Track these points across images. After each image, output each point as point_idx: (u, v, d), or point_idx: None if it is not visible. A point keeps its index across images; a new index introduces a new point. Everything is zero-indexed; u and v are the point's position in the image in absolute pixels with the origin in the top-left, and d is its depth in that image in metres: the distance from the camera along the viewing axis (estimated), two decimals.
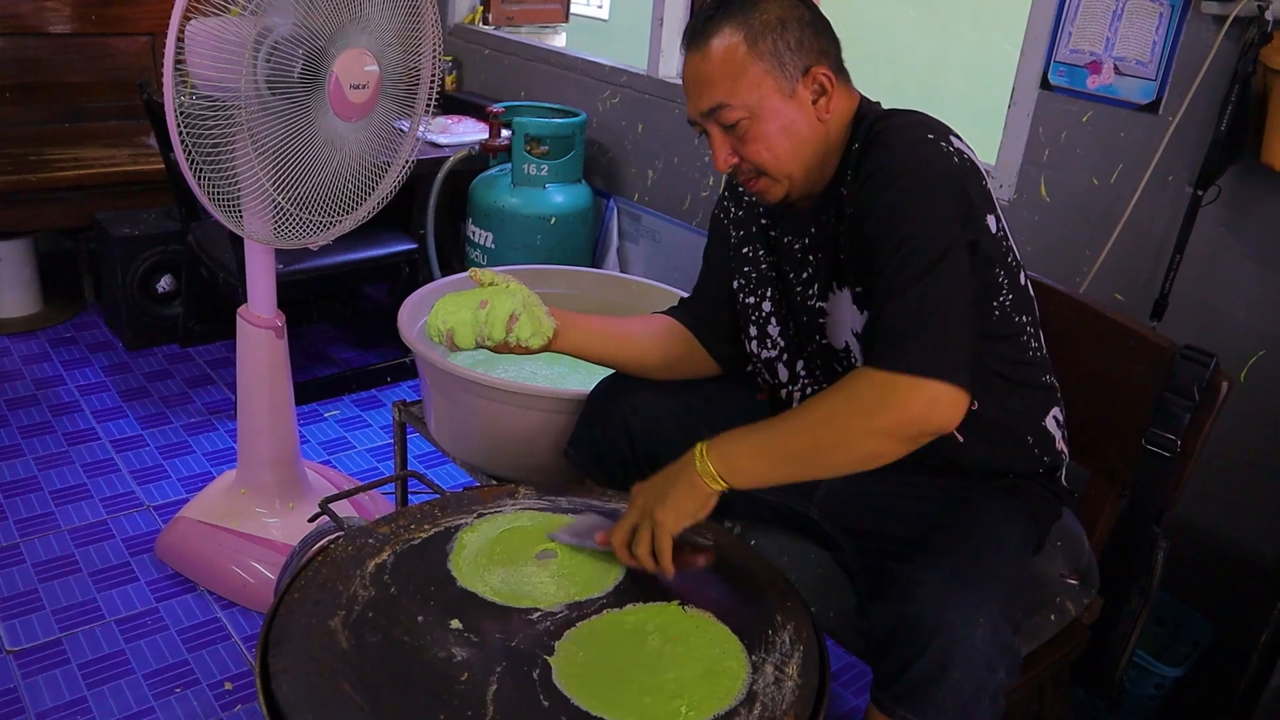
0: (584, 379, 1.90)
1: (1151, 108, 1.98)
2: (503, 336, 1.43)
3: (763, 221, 1.52)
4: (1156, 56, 1.96)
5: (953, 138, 1.28)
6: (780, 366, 1.52)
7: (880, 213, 1.23)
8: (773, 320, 1.51)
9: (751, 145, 1.32)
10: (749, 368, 1.59)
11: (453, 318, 1.43)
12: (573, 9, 4.26)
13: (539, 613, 1.19)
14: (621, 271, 3.30)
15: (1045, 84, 2.13)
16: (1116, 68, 2.01)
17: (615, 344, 1.57)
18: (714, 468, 1.23)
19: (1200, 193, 1.87)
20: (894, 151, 1.26)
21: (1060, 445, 1.46)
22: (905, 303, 1.18)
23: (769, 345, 1.52)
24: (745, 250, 1.54)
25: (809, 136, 1.33)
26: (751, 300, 1.53)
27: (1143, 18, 1.96)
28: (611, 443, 1.54)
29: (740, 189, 1.55)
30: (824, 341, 1.44)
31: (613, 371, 1.64)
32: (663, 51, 3.08)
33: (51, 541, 2.28)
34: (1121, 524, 1.58)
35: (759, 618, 1.21)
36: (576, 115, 3.11)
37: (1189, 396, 1.46)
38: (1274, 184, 1.83)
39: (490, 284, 1.47)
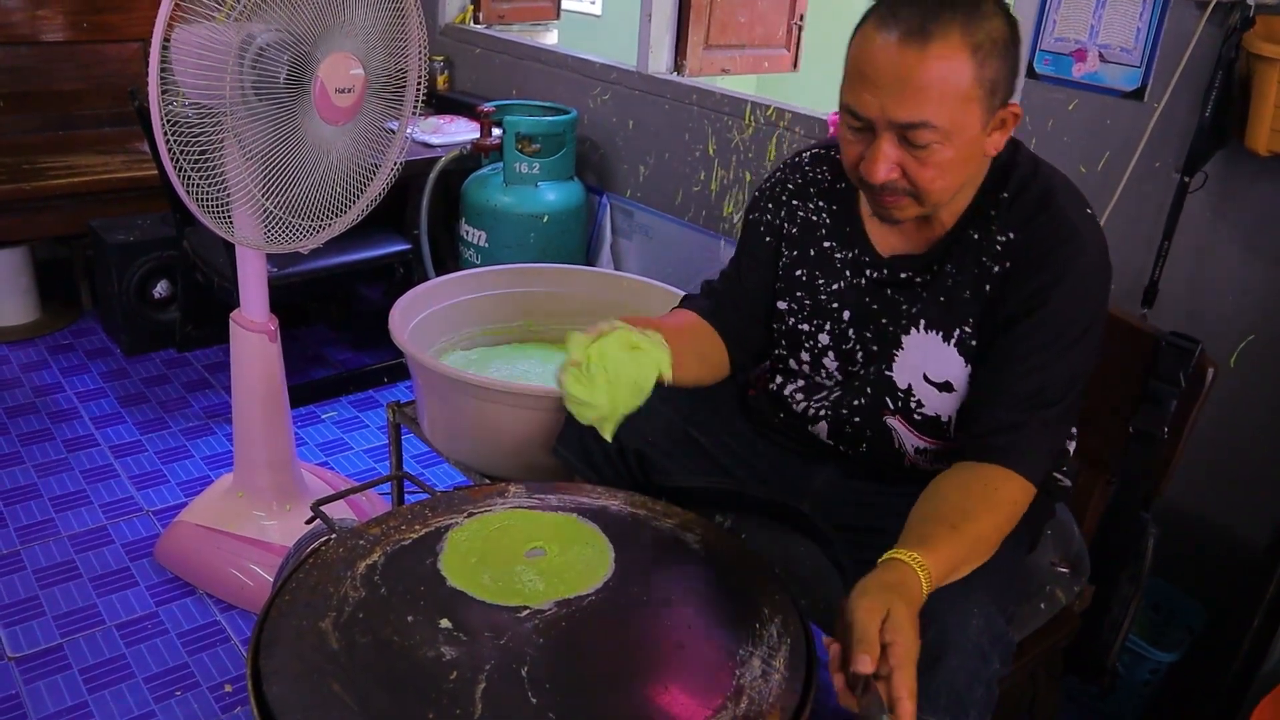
0: None
1: (1137, 94, 1.98)
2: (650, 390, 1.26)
3: (827, 245, 1.40)
4: (1141, 43, 1.96)
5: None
6: (825, 392, 1.46)
7: (1044, 322, 1.23)
8: (830, 354, 1.43)
9: (927, 170, 1.18)
10: (771, 383, 1.54)
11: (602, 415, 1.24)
12: (564, 5, 4.26)
13: (528, 610, 1.20)
14: (615, 267, 3.31)
15: (1031, 72, 2.13)
16: (1101, 55, 2.02)
17: (690, 364, 1.38)
18: (932, 583, 1.10)
19: (1187, 179, 1.87)
20: (1082, 248, 1.23)
21: (1071, 454, 1.48)
22: (1050, 418, 1.24)
23: (823, 374, 1.45)
24: (799, 273, 1.43)
25: (974, 170, 1.25)
26: (805, 328, 1.44)
27: (1126, 4, 1.96)
28: (598, 439, 1.54)
29: (794, 199, 1.43)
30: (885, 373, 1.37)
31: None
32: (651, 47, 3.09)
33: (52, 548, 2.29)
34: (1111, 511, 1.58)
35: (747, 611, 1.21)
36: (568, 113, 3.11)
37: (1175, 383, 1.46)
38: (1259, 169, 1.83)
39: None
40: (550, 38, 4.08)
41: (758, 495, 1.53)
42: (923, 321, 1.33)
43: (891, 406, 1.39)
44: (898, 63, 1.13)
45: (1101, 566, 1.56)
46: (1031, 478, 1.23)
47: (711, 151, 2.92)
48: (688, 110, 2.98)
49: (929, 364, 1.34)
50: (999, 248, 1.27)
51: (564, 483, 1.54)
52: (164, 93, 1.66)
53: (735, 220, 2.90)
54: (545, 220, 2.99)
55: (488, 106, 3.11)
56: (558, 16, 4.15)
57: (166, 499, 2.49)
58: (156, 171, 2.88)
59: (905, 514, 1.25)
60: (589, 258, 3.33)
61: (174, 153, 1.69)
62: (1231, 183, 1.89)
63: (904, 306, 1.35)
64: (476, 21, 3.86)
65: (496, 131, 3.05)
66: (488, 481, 1.87)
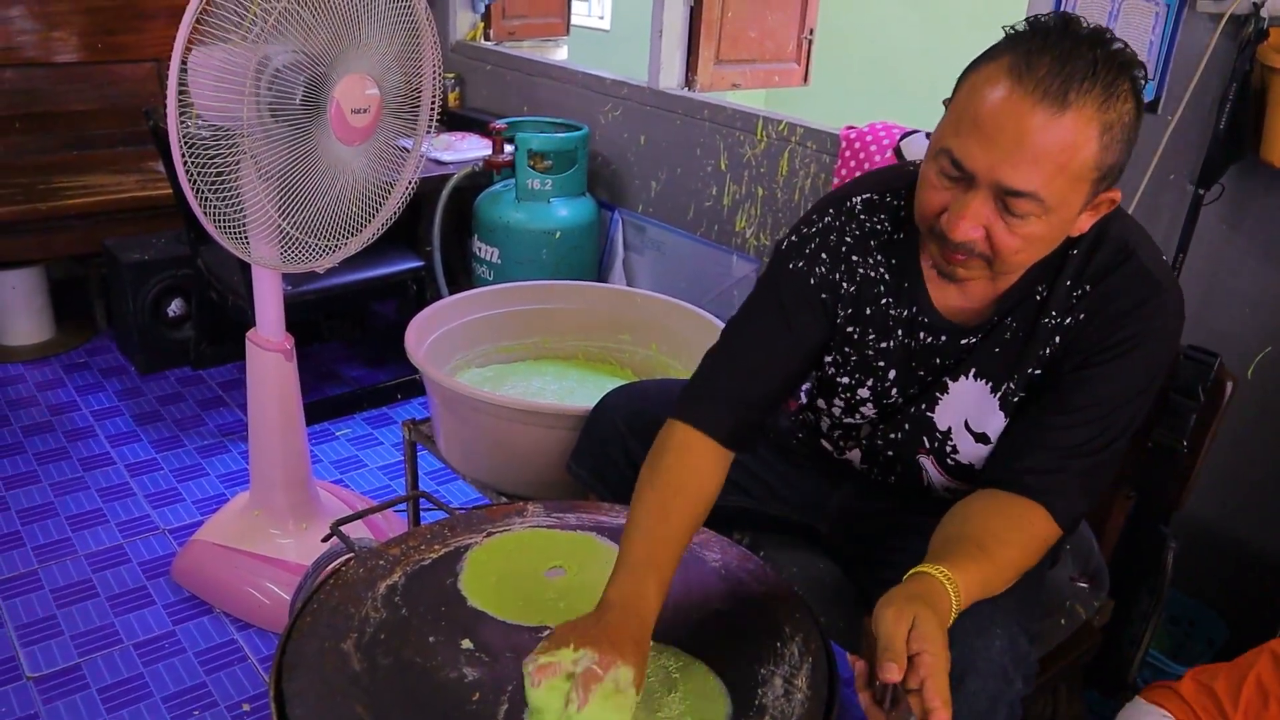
0: (590, 394, 1.91)
1: (1151, 107, 1.98)
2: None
3: (884, 302, 1.31)
4: (1154, 56, 1.96)
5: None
6: (862, 437, 1.43)
7: (1112, 374, 1.19)
8: (867, 405, 1.38)
9: (1014, 240, 1.10)
10: (797, 418, 1.52)
11: None
12: (573, 21, 4.28)
13: (549, 630, 1.20)
14: (627, 282, 3.31)
15: None
16: None
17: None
18: (960, 592, 1.07)
19: (1202, 191, 1.87)
20: (1152, 300, 1.18)
21: None
22: (1095, 466, 1.21)
23: (856, 417, 1.40)
24: (851, 330, 1.34)
25: (1057, 243, 1.17)
26: (845, 380, 1.37)
27: (1139, 17, 1.96)
28: (611, 458, 1.54)
29: (854, 255, 1.31)
30: (927, 414, 1.33)
31: (615, 386, 1.64)
32: (663, 63, 3.10)
33: (69, 567, 2.30)
34: (1130, 525, 1.58)
35: (767, 629, 1.21)
36: (579, 129, 3.12)
37: (1193, 396, 1.46)
38: (1275, 181, 1.83)
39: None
40: (560, 53, 4.10)
41: (775, 514, 1.53)
42: (973, 370, 1.28)
43: (927, 446, 1.35)
44: (1025, 124, 1.04)
45: (1121, 581, 1.56)
46: (1063, 522, 1.20)
47: (723, 166, 2.93)
48: (699, 125, 2.99)
49: (971, 411, 1.29)
50: (1073, 300, 1.20)
51: (582, 501, 1.54)
52: (181, 114, 1.67)
53: (747, 235, 2.91)
54: (558, 236, 3.00)
55: (499, 123, 3.13)
56: (567, 32, 4.17)
57: (183, 517, 2.49)
58: (170, 191, 2.91)
59: (926, 534, 1.21)
60: (601, 273, 3.34)
61: (191, 174, 1.70)
62: (1247, 194, 1.89)
63: (954, 360, 1.30)
64: (487, 38, 3.89)
65: (508, 148, 3.06)
66: (504, 500, 1.88)
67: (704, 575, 1.33)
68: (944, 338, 1.29)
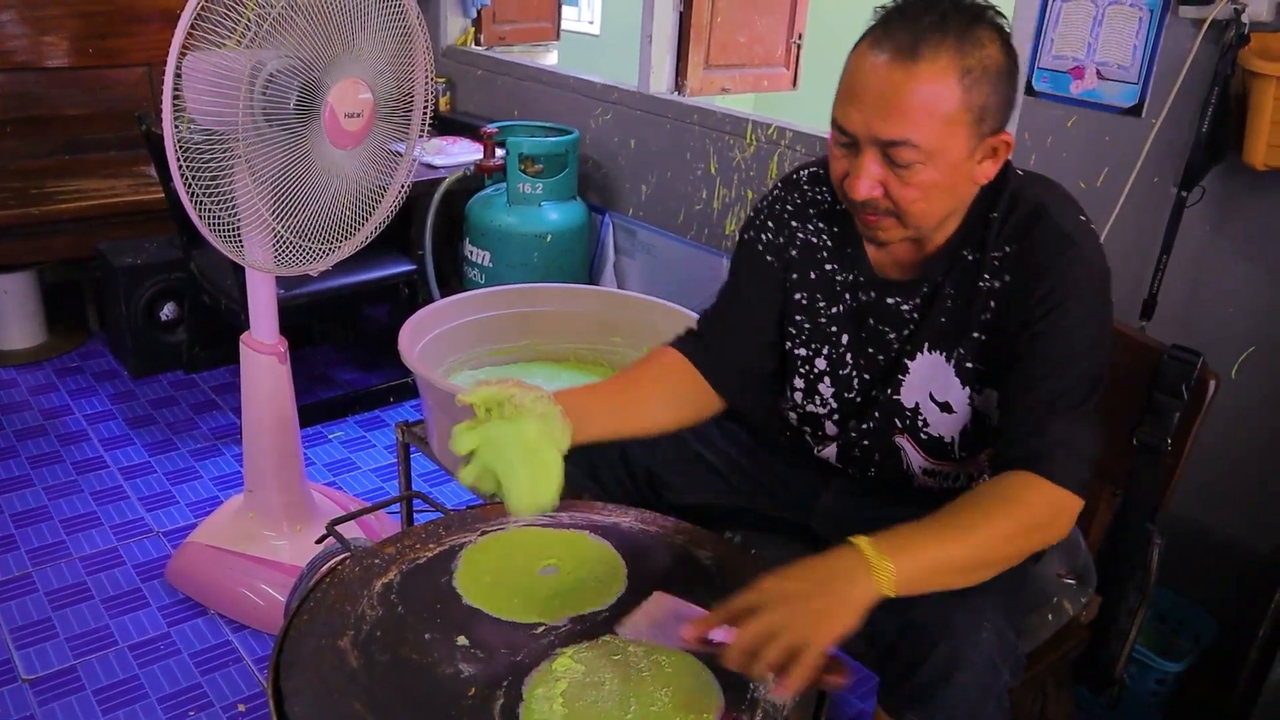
0: None
1: (1135, 111, 2.01)
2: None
3: (828, 268, 1.38)
4: (1138, 60, 1.98)
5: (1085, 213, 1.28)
6: (828, 423, 1.46)
7: (1052, 329, 1.22)
8: (825, 379, 1.42)
9: (908, 189, 1.18)
10: (781, 412, 1.53)
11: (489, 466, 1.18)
12: (564, 26, 4.30)
13: (543, 626, 1.22)
14: (618, 286, 3.33)
15: (1030, 90, 2.16)
16: (1099, 72, 2.04)
17: (626, 420, 1.37)
18: (893, 575, 1.08)
19: (1185, 194, 1.90)
20: (1080, 257, 1.22)
21: None
22: (1073, 420, 1.21)
23: (817, 402, 1.44)
24: (799, 296, 1.41)
25: (962, 196, 1.24)
26: (802, 352, 1.43)
27: (1123, 22, 1.99)
28: (605, 456, 1.55)
29: (793, 220, 1.41)
30: (893, 397, 1.37)
31: None
32: (653, 68, 3.12)
33: (63, 569, 2.31)
34: (1116, 523, 1.59)
35: None
36: (570, 133, 3.14)
37: (1177, 395, 1.48)
38: (1256, 183, 1.86)
39: (486, 410, 1.19)
40: (551, 58, 4.12)
41: (768, 512, 1.54)
42: (926, 344, 1.33)
43: (900, 425, 1.39)
44: (885, 80, 1.14)
45: (1108, 578, 1.57)
46: (1065, 482, 1.19)
47: (713, 170, 2.95)
48: (689, 129, 3.01)
49: (934, 384, 1.34)
50: (995, 264, 1.26)
51: (575, 501, 1.56)
52: (175, 118, 1.68)
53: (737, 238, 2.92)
54: (548, 240, 3.02)
55: (490, 128, 3.15)
56: (557, 37, 4.18)
57: (176, 520, 2.50)
58: (163, 195, 2.91)
59: None
60: (592, 276, 3.35)
61: (185, 177, 1.71)
62: (1229, 197, 1.91)
63: (904, 331, 1.35)
64: (478, 43, 3.90)
65: (499, 152, 3.08)
66: (498, 500, 1.89)
67: (697, 572, 1.34)
68: (888, 300, 1.35)
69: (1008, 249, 1.26)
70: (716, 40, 3.19)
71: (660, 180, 3.14)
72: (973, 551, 1.15)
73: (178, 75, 1.67)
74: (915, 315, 1.34)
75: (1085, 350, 1.23)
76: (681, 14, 3.10)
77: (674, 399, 1.42)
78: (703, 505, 1.55)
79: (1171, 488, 1.52)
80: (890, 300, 1.35)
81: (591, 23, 6.75)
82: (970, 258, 1.28)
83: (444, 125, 3.68)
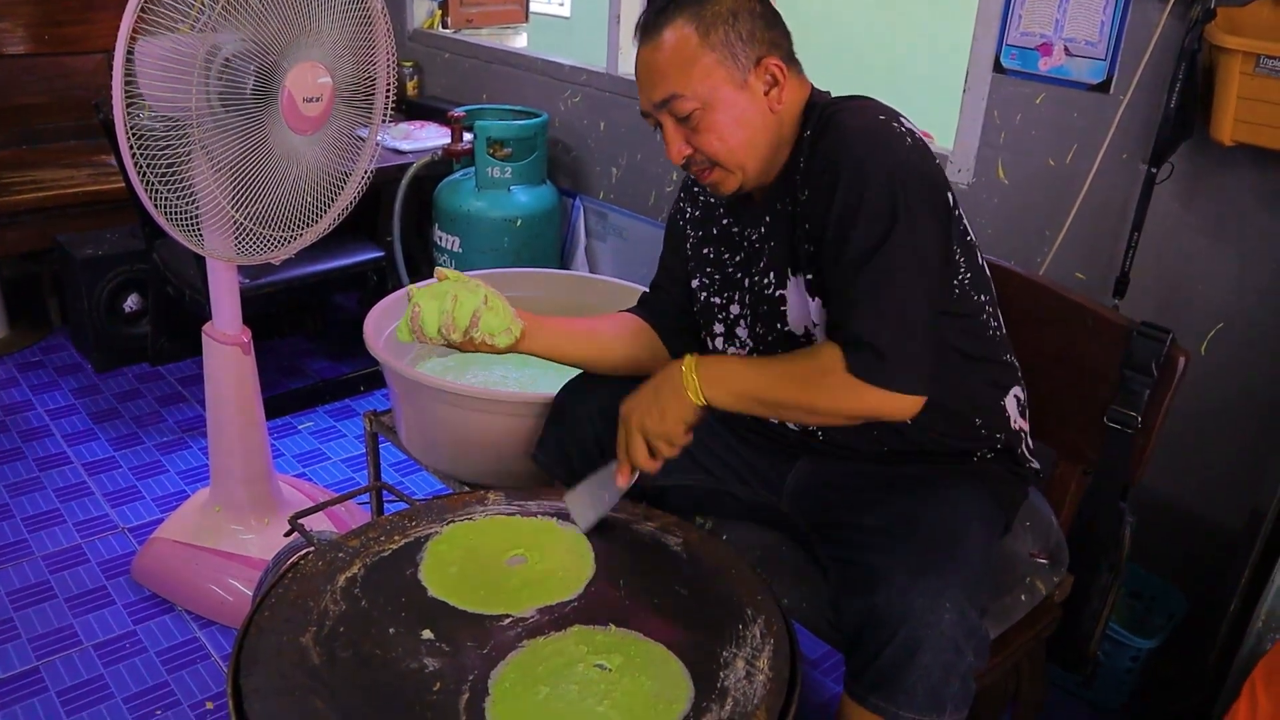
0: (551, 382, 1.90)
1: (1102, 87, 2.00)
2: (465, 325, 1.44)
3: (725, 221, 1.51)
4: (1105, 36, 1.97)
5: (902, 119, 1.32)
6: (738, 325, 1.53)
7: (840, 202, 1.26)
8: (741, 322, 1.50)
9: (705, 136, 1.32)
10: None
11: (421, 306, 1.44)
12: (533, 8, 4.25)
13: (510, 618, 1.20)
14: (590, 269, 3.30)
15: (998, 67, 2.14)
16: (1067, 49, 2.03)
17: (582, 343, 1.60)
18: (699, 382, 1.32)
19: (1154, 170, 1.89)
20: (847, 134, 1.29)
21: (1018, 424, 1.47)
22: (874, 307, 1.24)
23: (737, 344, 1.52)
24: (706, 251, 1.54)
25: (761, 127, 1.34)
26: (718, 300, 1.53)
27: None
28: (578, 444, 1.54)
29: (695, 186, 1.56)
30: (785, 329, 1.44)
31: (579, 374, 1.64)
32: (621, 49, 3.09)
33: (25, 569, 2.26)
34: (1088, 501, 1.60)
35: (730, 612, 1.22)
36: (538, 116, 3.10)
37: (1147, 373, 1.48)
38: (1224, 159, 1.85)
39: (456, 281, 1.48)
40: (520, 41, 4.07)
41: (738, 494, 1.53)
42: (780, 269, 1.41)
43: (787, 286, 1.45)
44: (645, 60, 1.34)
45: (1080, 556, 1.58)
46: (859, 334, 1.24)
47: None
48: None
49: (806, 308, 1.39)
50: (799, 179, 1.35)
51: (544, 488, 1.54)
52: (129, 105, 1.64)
53: None
54: (519, 224, 2.99)
55: (458, 111, 3.10)
56: (526, 19, 4.13)
57: (142, 515, 2.46)
58: (123, 184, 2.86)
59: (878, 505, 1.31)
60: (563, 261, 3.32)
61: (140, 166, 1.67)
62: (1198, 173, 1.91)
63: (765, 261, 1.43)
64: (444, 26, 3.85)
65: (467, 136, 3.04)
66: (466, 489, 1.87)
67: (666, 559, 1.33)
68: (753, 237, 1.45)
69: (804, 161, 1.35)
70: None
71: (630, 163, 3.11)
72: (767, 383, 1.32)
73: (129, 59, 1.62)
74: (758, 244, 1.44)
75: (888, 228, 1.24)
76: None
77: (627, 346, 1.61)
78: (676, 488, 1.54)
79: (1142, 465, 1.52)
80: (754, 236, 1.45)
81: (562, 5, 6.69)
82: (796, 179, 1.37)
83: (411, 110, 3.64)
